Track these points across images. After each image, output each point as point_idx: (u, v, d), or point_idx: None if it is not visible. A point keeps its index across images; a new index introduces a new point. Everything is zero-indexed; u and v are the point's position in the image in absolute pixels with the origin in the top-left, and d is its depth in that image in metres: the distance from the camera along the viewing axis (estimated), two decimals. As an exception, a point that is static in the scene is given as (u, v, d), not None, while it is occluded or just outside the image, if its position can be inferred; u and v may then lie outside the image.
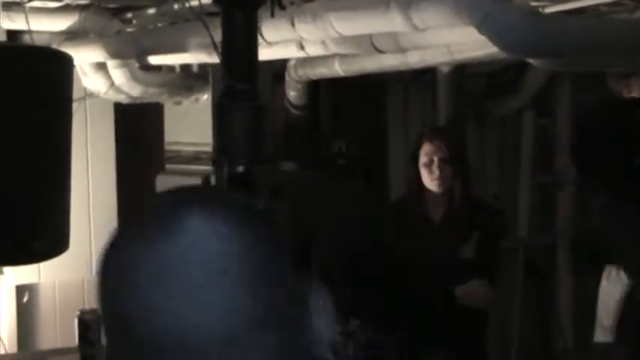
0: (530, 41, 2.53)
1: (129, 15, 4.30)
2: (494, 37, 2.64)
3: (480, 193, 4.63)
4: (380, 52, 3.53)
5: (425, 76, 4.83)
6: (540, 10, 2.96)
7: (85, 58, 4.33)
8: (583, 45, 2.57)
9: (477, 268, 3.62)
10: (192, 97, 4.83)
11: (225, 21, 2.13)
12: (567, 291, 5.33)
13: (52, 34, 4.35)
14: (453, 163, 3.65)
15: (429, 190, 3.68)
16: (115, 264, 1.11)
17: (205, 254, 1.07)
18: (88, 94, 4.70)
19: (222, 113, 2.18)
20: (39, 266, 4.65)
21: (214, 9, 2.60)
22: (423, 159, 3.67)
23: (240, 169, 2.13)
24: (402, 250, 3.66)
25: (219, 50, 2.13)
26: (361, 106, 5.40)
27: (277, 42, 3.44)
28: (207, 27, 2.38)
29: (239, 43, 2.14)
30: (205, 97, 4.79)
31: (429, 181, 3.66)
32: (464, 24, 2.75)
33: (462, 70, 4.38)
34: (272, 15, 2.59)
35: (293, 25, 3.28)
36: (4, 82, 2.71)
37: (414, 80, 5.13)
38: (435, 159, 3.64)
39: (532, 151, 5.32)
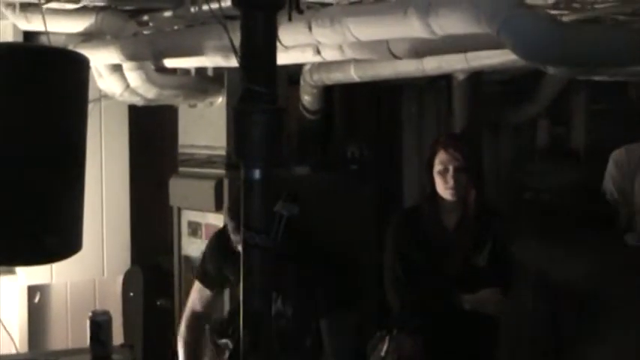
0: (551, 48, 2.51)
1: (145, 17, 4.31)
2: (514, 44, 2.62)
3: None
4: (397, 57, 3.51)
5: (440, 81, 4.82)
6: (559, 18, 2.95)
7: (101, 59, 4.35)
8: (604, 53, 2.55)
9: (490, 275, 3.60)
10: (207, 100, 4.83)
11: (244, 23, 2.13)
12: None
13: (69, 35, 4.37)
14: (468, 172, 3.63)
15: (443, 198, 3.66)
16: None
17: None
18: (103, 96, 4.71)
19: (241, 116, 2.17)
20: (51, 267, 4.67)
21: (231, 12, 2.60)
22: (437, 167, 3.64)
23: (258, 172, 2.13)
24: (416, 256, 3.66)
25: (239, 53, 2.12)
26: (375, 112, 5.40)
27: (294, 46, 3.44)
28: (227, 30, 2.37)
29: (259, 46, 2.13)
30: (220, 101, 4.80)
31: (444, 189, 3.64)
32: (483, 30, 2.73)
33: (478, 77, 4.37)
34: (290, 19, 2.58)
35: (310, 29, 3.27)
36: (21, 83, 2.71)
37: (429, 86, 5.13)
38: (450, 168, 3.61)
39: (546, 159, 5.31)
